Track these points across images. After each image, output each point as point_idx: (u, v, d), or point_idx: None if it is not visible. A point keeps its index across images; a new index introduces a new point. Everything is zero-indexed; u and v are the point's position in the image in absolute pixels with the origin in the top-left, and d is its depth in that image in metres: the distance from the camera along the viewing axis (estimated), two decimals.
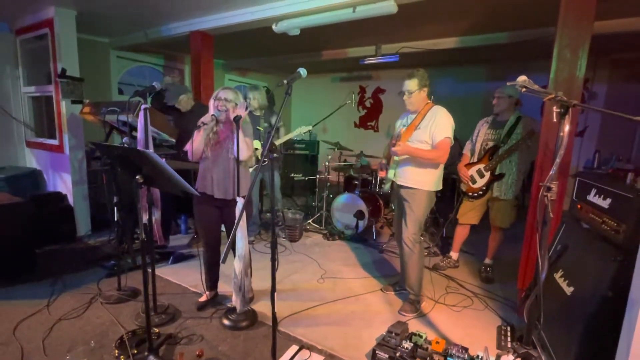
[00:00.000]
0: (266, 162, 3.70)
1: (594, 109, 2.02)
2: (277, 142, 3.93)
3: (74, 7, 3.62)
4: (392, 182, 2.61)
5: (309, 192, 6.16)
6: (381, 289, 2.90)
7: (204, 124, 2.26)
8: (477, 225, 3.20)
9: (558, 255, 2.09)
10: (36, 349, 2.03)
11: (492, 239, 3.15)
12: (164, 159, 1.77)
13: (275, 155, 1.70)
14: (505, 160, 2.93)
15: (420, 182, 2.45)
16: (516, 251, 2.73)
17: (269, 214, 4.22)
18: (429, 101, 2.52)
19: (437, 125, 2.36)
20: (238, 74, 7.06)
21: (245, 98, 3.73)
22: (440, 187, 2.54)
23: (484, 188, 3.01)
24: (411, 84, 2.42)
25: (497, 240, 3.13)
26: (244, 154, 2.27)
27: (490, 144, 3.01)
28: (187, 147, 2.36)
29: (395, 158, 2.53)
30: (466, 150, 3.21)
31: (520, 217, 3.06)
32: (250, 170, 3.25)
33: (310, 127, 3.96)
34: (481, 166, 3.00)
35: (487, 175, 2.98)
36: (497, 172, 2.96)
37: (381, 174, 2.72)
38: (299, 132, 3.87)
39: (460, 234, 3.27)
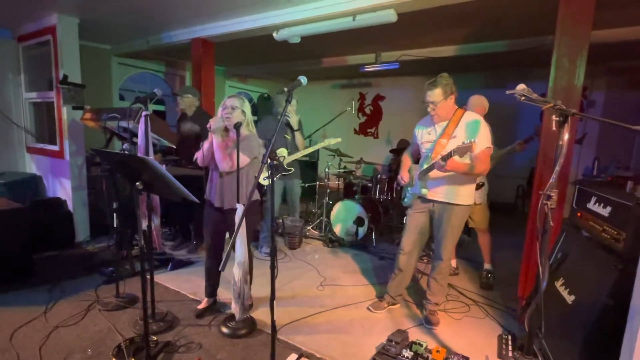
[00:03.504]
0: (291, 171, 3.69)
1: (593, 117, 2.03)
2: (303, 153, 3.78)
3: (76, 15, 3.66)
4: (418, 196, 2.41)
5: (309, 198, 6.15)
6: (368, 308, 2.69)
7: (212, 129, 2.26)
8: (474, 233, 3.20)
9: (558, 264, 2.08)
10: (33, 356, 2.01)
11: (482, 243, 3.18)
12: (164, 166, 1.77)
13: (275, 162, 1.69)
14: None
15: (460, 196, 2.28)
16: (515, 259, 2.72)
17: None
18: (457, 107, 2.29)
19: (479, 135, 2.13)
20: (238, 80, 7.10)
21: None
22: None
23: None
24: (435, 95, 2.16)
25: (487, 241, 3.16)
26: (223, 166, 2.27)
27: None
28: (199, 154, 2.37)
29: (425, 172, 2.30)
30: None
31: (519, 224, 3.06)
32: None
33: (339, 139, 3.90)
34: None
35: None
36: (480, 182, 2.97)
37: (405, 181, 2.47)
38: (327, 143, 3.83)
39: None
